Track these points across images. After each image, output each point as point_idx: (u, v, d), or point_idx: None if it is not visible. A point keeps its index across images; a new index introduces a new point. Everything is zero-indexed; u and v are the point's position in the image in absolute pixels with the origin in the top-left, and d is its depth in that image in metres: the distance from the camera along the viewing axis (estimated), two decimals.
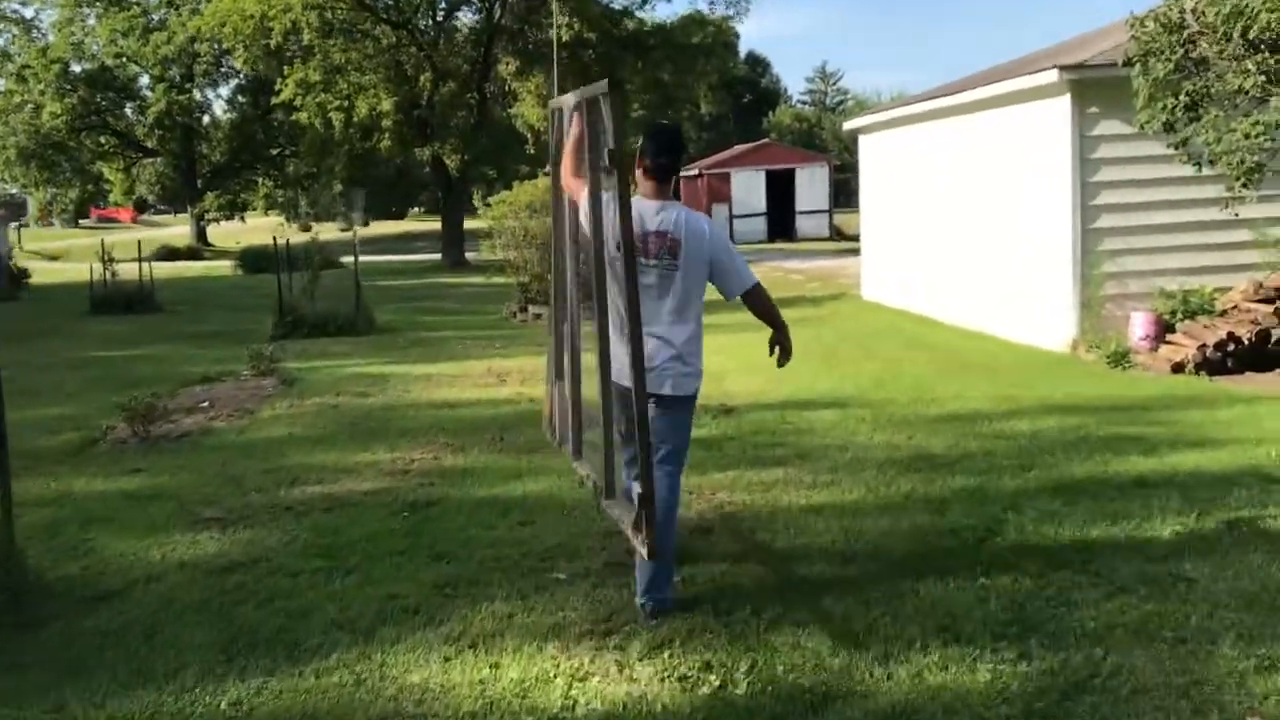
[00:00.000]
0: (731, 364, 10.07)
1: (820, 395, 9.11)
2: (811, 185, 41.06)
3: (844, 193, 57.73)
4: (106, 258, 21.43)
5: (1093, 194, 10.77)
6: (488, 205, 17.30)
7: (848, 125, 17.56)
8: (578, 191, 4.44)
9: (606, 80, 3.93)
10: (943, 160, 13.79)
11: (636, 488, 4.00)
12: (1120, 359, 10.19)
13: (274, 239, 18.26)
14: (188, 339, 15.96)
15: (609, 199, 4.07)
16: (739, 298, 4.52)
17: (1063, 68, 10.47)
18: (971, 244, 13.07)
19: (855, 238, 41.70)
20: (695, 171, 43.77)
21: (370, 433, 8.14)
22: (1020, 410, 8.18)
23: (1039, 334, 11.44)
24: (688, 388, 4.43)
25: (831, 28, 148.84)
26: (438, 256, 33.63)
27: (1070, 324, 10.91)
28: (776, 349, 4.71)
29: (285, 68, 29.93)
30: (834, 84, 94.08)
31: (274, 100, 31.61)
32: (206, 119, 53.17)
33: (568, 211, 4.81)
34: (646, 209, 4.31)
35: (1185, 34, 8.77)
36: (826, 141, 74.76)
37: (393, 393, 10.01)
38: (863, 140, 17.30)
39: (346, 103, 29.33)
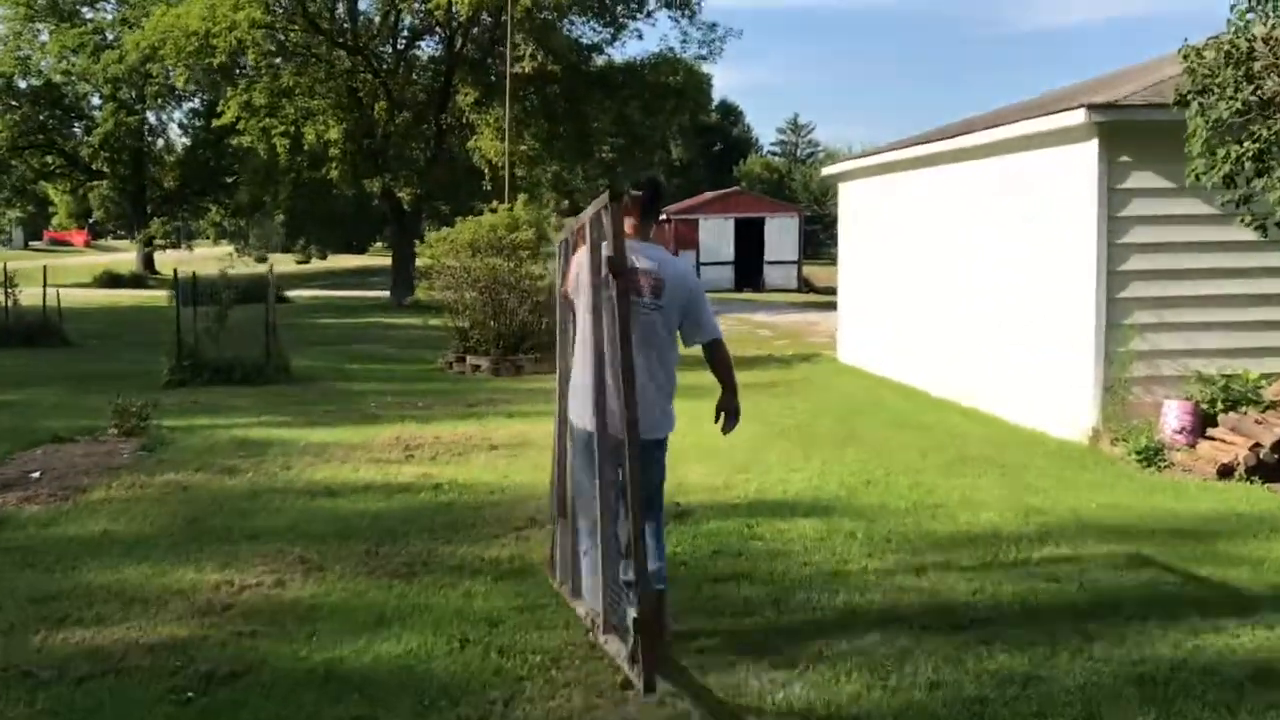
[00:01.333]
0: (687, 440, 8.24)
1: (797, 494, 7.32)
2: (781, 235, 39.81)
3: (813, 244, 56.64)
4: (6, 285, 19.41)
5: (1121, 258, 9.12)
6: (425, 244, 15.34)
7: (826, 170, 15.94)
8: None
9: (608, 191, 4.12)
10: (938, 211, 12.16)
11: (632, 613, 3.99)
12: (1153, 456, 8.47)
13: (174, 271, 16.28)
14: (74, 381, 13.93)
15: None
16: (701, 348, 4.54)
17: (1091, 107, 8.84)
18: (971, 308, 11.39)
19: (825, 290, 40.60)
20: (664, 217, 42.18)
21: (210, 534, 6.23)
22: (1051, 529, 6.41)
23: (1052, 418, 9.73)
24: (667, 428, 4.50)
25: (803, 82, 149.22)
26: (388, 294, 31.78)
27: (1090, 409, 9.21)
28: (722, 415, 4.62)
29: (229, 89, 28.07)
30: (805, 135, 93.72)
31: (214, 123, 29.65)
32: (160, 143, 51.20)
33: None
34: (631, 248, 4.26)
35: (1254, 67, 7.17)
36: (796, 192, 73.92)
37: (268, 469, 8.10)
38: (843, 189, 15.68)
39: (293, 129, 27.47)
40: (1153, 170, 9.04)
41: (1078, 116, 8.93)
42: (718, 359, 4.54)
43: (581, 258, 4.46)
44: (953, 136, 11.45)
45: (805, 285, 39.42)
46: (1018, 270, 10.31)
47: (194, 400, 11.94)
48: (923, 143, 12.31)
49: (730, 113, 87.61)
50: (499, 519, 6.65)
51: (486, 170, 27.21)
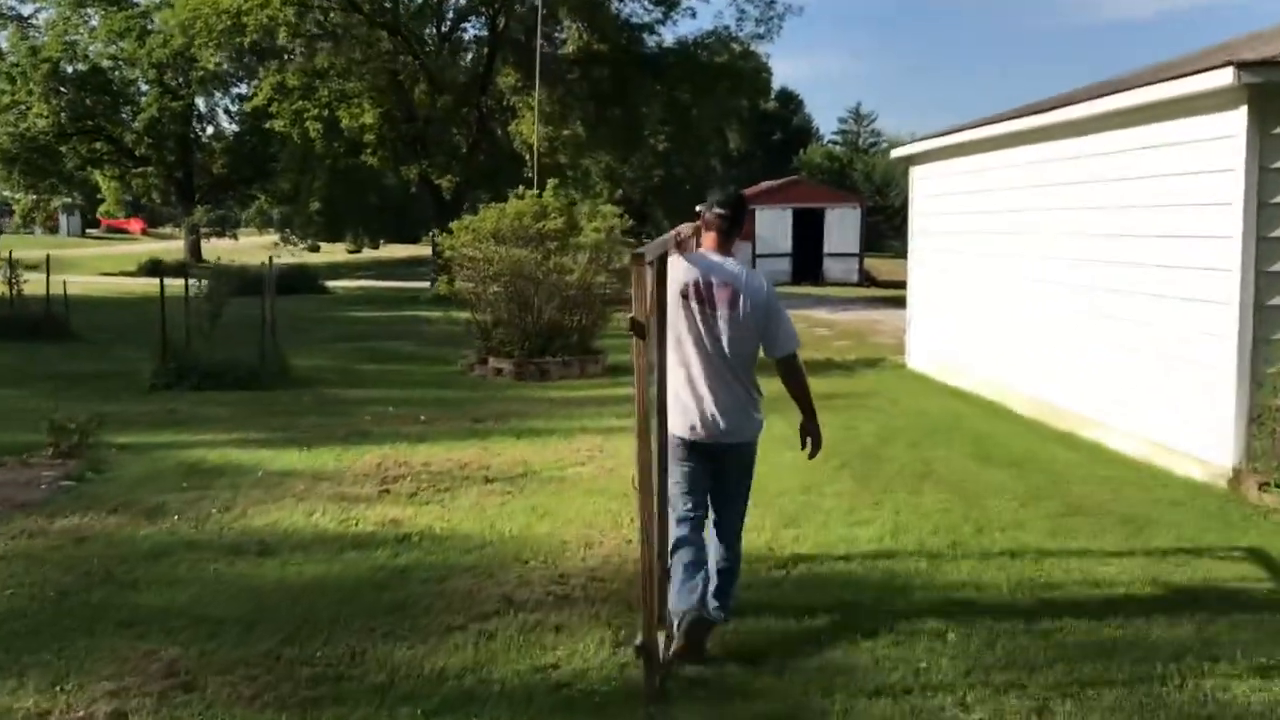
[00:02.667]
0: None
1: (862, 566, 5.60)
2: (842, 226, 37.85)
3: (875, 236, 54.45)
4: (12, 273, 18.19)
5: (1273, 255, 7.25)
6: (447, 232, 13.79)
7: (898, 151, 14.09)
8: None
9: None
10: (1035, 198, 10.29)
11: (638, 638, 3.99)
12: None
13: (156, 262, 14.81)
14: (58, 381, 12.61)
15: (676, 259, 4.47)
16: (775, 360, 4.57)
17: (1241, 65, 6.98)
18: (1074, 312, 9.55)
19: (887, 284, 38.56)
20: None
21: (73, 618, 4.69)
22: (1221, 631, 4.64)
23: (1178, 452, 7.90)
24: (755, 431, 4.59)
25: (865, 72, 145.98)
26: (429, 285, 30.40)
27: (1230, 444, 7.36)
28: (807, 441, 4.67)
29: (262, 70, 26.79)
30: (868, 125, 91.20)
31: (246, 105, 28.42)
32: (210, 130, 50.44)
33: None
34: (713, 260, 4.50)
35: None
36: (858, 183, 71.69)
37: (202, 510, 6.55)
38: (916, 173, 13.83)
39: (326, 112, 26.11)
40: None
41: (1223, 77, 7.06)
42: (789, 374, 4.59)
43: (669, 275, 4.33)
44: (1057, 108, 9.57)
45: (867, 279, 37.44)
46: (1139, 269, 8.45)
47: (170, 409, 10.50)
48: (1018, 116, 10.42)
49: (790, 100, 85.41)
50: (464, 598, 5.03)
51: (528, 156, 25.63)
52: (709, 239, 4.61)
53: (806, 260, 36.59)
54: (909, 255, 14.15)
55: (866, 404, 11.06)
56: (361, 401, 11.26)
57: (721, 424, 4.43)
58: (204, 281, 13.84)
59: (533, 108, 24.07)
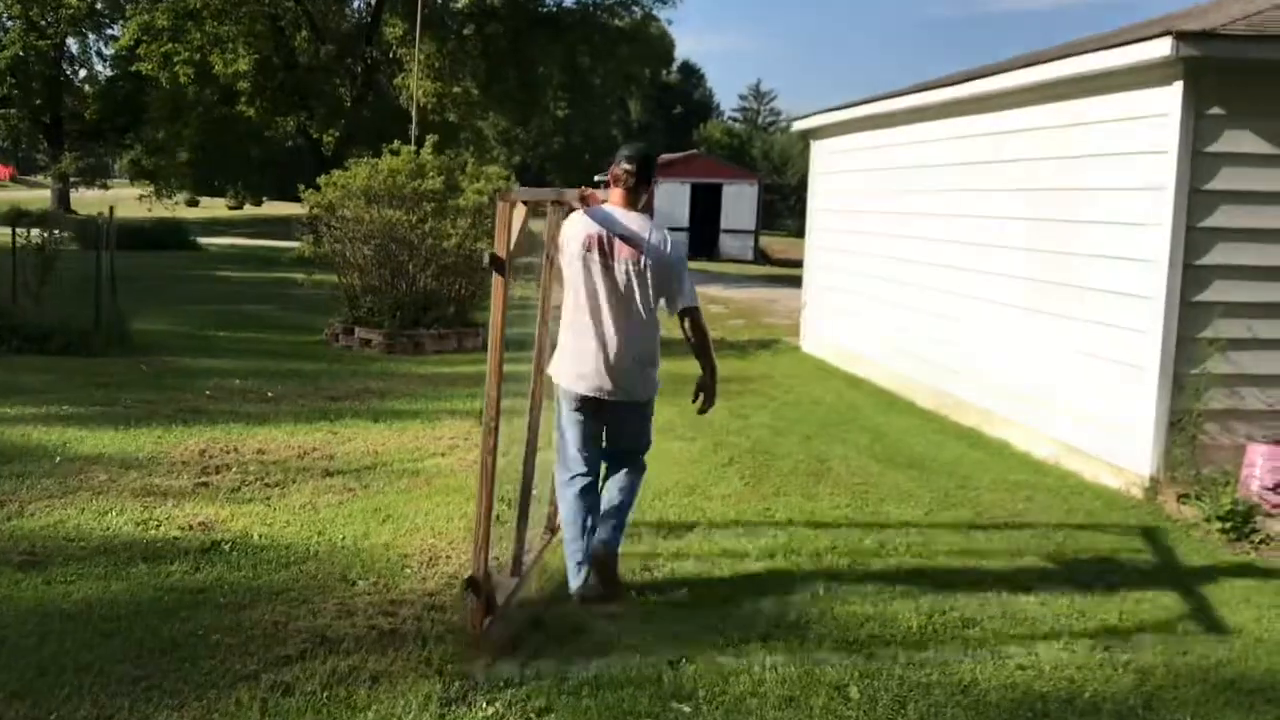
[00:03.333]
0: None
1: (753, 585, 4.82)
2: (739, 203, 37.36)
3: (770, 214, 54.23)
4: None
5: (1202, 247, 6.69)
6: (314, 188, 12.60)
7: (798, 124, 13.34)
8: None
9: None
10: (946, 177, 9.64)
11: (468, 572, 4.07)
12: (1241, 524, 6.10)
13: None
14: None
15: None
16: (678, 316, 4.53)
17: (1181, 36, 6.35)
18: (984, 300, 8.94)
19: (781, 262, 38.19)
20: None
21: None
22: (1151, 678, 3.98)
23: (1093, 456, 7.33)
24: (650, 392, 4.59)
25: (766, 51, 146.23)
26: None
27: (1149, 450, 6.80)
28: (700, 395, 4.62)
29: (129, 8, 24.87)
30: (767, 103, 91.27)
31: (112, 46, 26.42)
32: (83, 73, 47.36)
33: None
34: (615, 215, 4.48)
35: None
36: (756, 160, 71.56)
37: None
38: (817, 148, 13.13)
39: (198, 56, 24.33)
40: (1252, 130, 6.62)
41: (1160, 48, 6.43)
42: (693, 328, 4.55)
43: (571, 229, 4.49)
44: (973, 79, 8.90)
45: (762, 257, 37.05)
46: (1055, 256, 7.84)
47: None
48: (930, 89, 9.74)
49: (692, 74, 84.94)
50: (267, 633, 4.08)
51: (414, 113, 24.31)
52: (616, 194, 4.54)
53: (703, 235, 35.96)
54: (807, 234, 13.47)
55: (759, 390, 10.33)
56: (205, 373, 10.10)
57: (616, 381, 4.43)
58: (58, 233, 12.44)
59: (420, 62, 22.74)
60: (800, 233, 49.06)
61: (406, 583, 4.72)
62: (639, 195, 4.54)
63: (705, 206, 36.16)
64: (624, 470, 4.67)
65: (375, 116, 26.44)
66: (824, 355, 12.66)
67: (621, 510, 4.60)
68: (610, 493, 4.63)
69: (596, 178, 51.38)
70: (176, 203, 44.33)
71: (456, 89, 23.84)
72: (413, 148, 13.07)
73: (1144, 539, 5.98)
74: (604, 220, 4.45)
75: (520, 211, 3.98)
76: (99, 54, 45.06)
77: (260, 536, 5.26)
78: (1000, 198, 8.66)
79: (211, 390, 9.10)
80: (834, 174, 12.56)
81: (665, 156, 45.11)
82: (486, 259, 3.89)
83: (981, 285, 8.88)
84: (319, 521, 5.54)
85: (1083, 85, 7.45)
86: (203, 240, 32.31)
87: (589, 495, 4.61)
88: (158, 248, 29.08)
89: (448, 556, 5.07)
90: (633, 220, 4.48)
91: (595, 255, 4.40)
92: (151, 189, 42.51)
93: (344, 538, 5.30)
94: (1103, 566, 5.42)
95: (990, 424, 8.69)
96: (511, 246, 3.92)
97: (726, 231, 36.80)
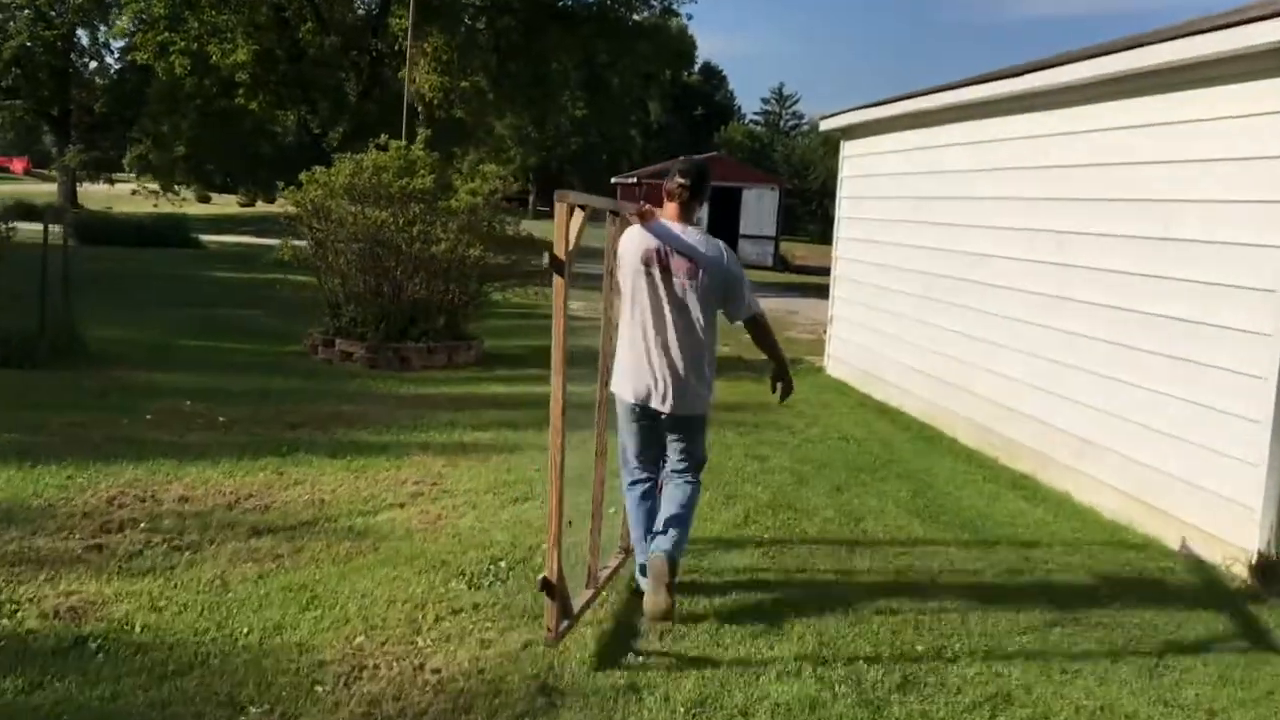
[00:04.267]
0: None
1: (775, 707, 3.65)
2: (759, 207, 36.27)
3: (791, 219, 53.01)
4: None
5: None
6: (293, 186, 11.48)
7: (828, 123, 12.11)
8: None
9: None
10: (1001, 182, 8.43)
11: (543, 573, 4.08)
12: None
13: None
14: None
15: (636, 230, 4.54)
16: (745, 324, 4.67)
17: None
18: (1043, 326, 7.71)
19: (802, 269, 36.92)
20: (634, 179, 38.75)
21: None
22: None
23: (1175, 516, 6.11)
24: (703, 407, 4.61)
25: (788, 55, 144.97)
26: None
27: (1256, 518, 5.58)
28: (778, 385, 4.79)
29: None
30: (790, 106, 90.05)
31: (106, 33, 25.45)
32: (94, 65, 46.46)
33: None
34: (673, 230, 4.51)
35: None
36: (778, 164, 70.40)
37: None
38: (849, 148, 11.92)
39: (195, 46, 23.28)
40: None
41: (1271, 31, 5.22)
42: (759, 334, 4.70)
43: (628, 244, 4.53)
44: (1043, 68, 7.66)
45: (782, 263, 35.86)
46: (1146, 280, 6.61)
47: None
48: (986, 81, 8.50)
49: (713, 75, 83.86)
50: None
51: (421, 108, 23.21)
52: (670, 209, 4.59)
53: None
54: (835, 243, 12.26)
55: (779, 421, 9.13)
56: (156, 391, 8.97)
57: (672, 393, 4.49)
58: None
59: (427, 54, 21.66)
60: (823, 238, 47.63)
61: (313, 711, 3.55)
62: (693, 210, 4.62)
63: (724, 211, 35.00)
64: (680, 483, 4.67)
65: (381, 111, 25.31)
66: (850, 379, 11.46)
67: (679, 522, 4.56)
68: (667, 507, 4.61)
69: (614, 180, 50.43)
70: (184, 199, 43.50)
71: (465, 83, 22.69)
72: (402, 142, 11.92)
73: (1255, 639, 4.76)
74: (661, 235, 4.48)
75: (579, 215, 3.98)
76: (106, 46, 44.25)
77: (143, 629, 4.10)
78: (1071, 209, 7.43)
79: (155, 413, 7.97)
80: (867, 178, 11.35)
81: (681, 158, 43.94)
82: (546, 259, 3.93)
83: (1045, 311, 7.66)
84: (225, 605, 4.38)
85: (1196, 74, 6.21)
86: (207, 238, 31.28)
87: (650, 499, 4.74)
88: (158, 245, 28.09)
89: (375, 666, 3.90)
90: (689, 235, 4.52)
91: (654, 269, 4.46)
92: (156, 184, 41.66)
93: (249, 632, 4.14)
94: (1220, 683, 4.21)
95: (1046, 470, 7.48)
96: (571, 248, 3.92)
97: (745, 237, 35.66)
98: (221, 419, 7.96)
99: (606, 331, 4.63)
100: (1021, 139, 8.02)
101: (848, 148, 11.82)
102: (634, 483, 4.78)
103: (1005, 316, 8.20)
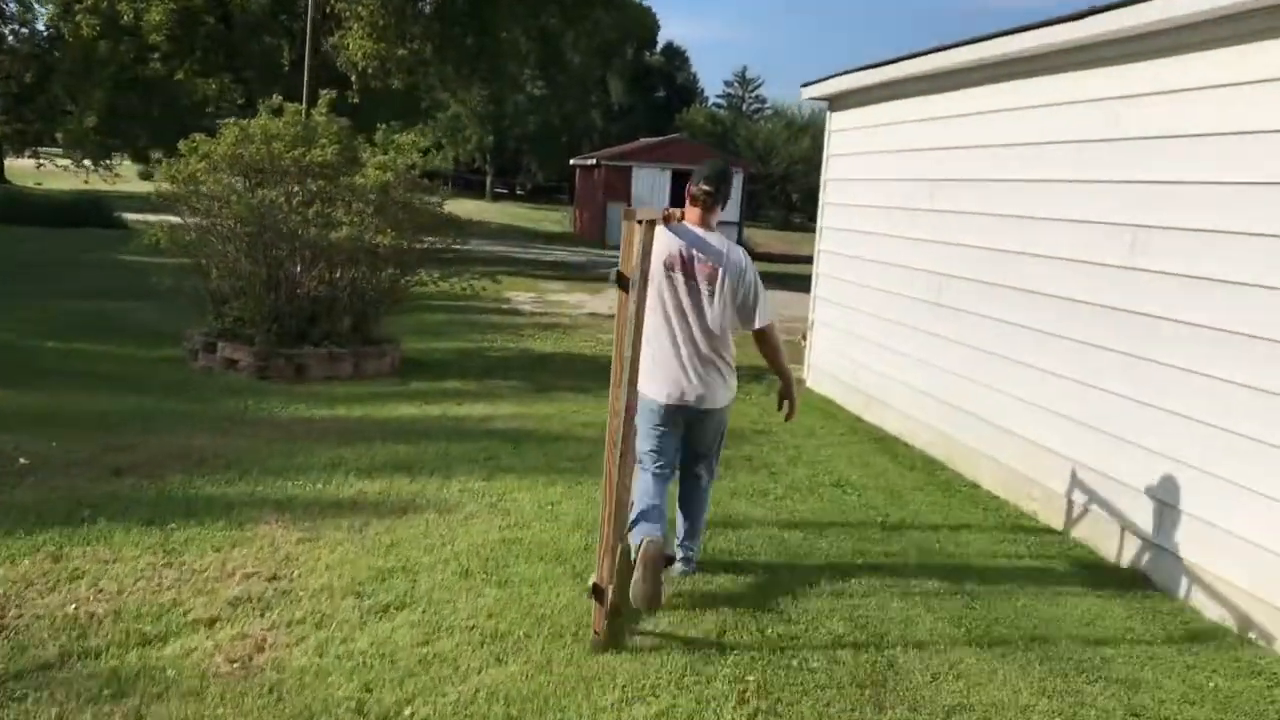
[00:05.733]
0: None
1: None
2: None
3: (753, 205, 51.20)
4: None
5: None
6: (165, 160, 9.46)
7: (811, 90, 10.15)
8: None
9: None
10: (1025, 159, 6.58)
11: (592, 578, 4.12)
12: None
13: None
14: None
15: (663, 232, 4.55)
16: (753, 334, 4.75)
17: None
18: (1102, 344, 5.90)
19: (767, 257, 35.08)
20: (593, 161, 36.82)
21: None
22: None
23: (1250, 573, 4.32)
24: (728, 399, 4.77)
25: (752, 39, 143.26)
26: None
27: None
28: (785, 404, 4.94)
29: None
30: (753, 90, 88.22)
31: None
32: (25, 31, 43.57)
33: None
34: (696, 233, 4.62)
35: None
36: (741, 149, 68.63)
37: None
38: (839, 120, 10.01)
39: (104, 4, 20.99)
40: None
41: None
42: (767, 348, 4.80)
43: (659, 245, 4.44)
44: (1093, 13, 5.80)
45: (744, 249, 33.98)
46: (1265, 296, 4.77)
47: None
48: (1024, 31, 6.59)
49: (676, 56, 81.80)
50: None
51: (353, 77, 21.10)
52: (692, 213, 4.68)
53: None
54: (819, 232, 10.40)
55: (755, 458, 7.29)
56: None
57: (696, 391, 4.62)
58: None
59: (361, 17, 19.54)
60: (784, 225, 45.99)
61: None
62: (714, 213, 4.70)
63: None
64: (694, 485, 4.88)
65: (316, 82, 23.16)
66: (837, 395, 9.63)
67: (694, 519, 4.85)
68: (684, 509, 4.89)
69: (573, 161, 48.28)
70: (118, 175, 40.90)
71: (402, 50, 20.58)
72: (298, 106, 9.93)
73: None
74: (685, 237, 4.58)
75: (646, 230, 4.00)
76: (30, 10, 41.29)
77: None
78: (1153, 197, 5.60)
79: None
80: (862, 156, 9.47)
81: (643, 140, 42.09)
82: (612, 276, 4.04)
83: (1109, 332, 5.83)
84: None
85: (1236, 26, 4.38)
86: (137, 216, 28.83)
87: (663, 482, 4.72)
88: (77, 225, 25.72)
89: None
90: (712, 239, 4.64)
91: (677, 272, 4.55)
92: (82, 160, 38.94)
93: None
94: None
95: (1106, 541, 5.67)
96: (637, 263, 3.99)
97: None
98: (23, 460, 5.99)
99: (637, 334, 4.23)
100: (1084, 103, 6.16)
101: (837, 119, 9.93)
102: (647, 468, 4.73)
103: (1044, 333, 6.38)
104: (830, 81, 9.59)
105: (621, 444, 4.13)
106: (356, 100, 20.10)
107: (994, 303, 6.97)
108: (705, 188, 4.62)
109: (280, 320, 9.36)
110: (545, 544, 5.15)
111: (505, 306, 16.27)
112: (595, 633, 4.04)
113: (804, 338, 10.96)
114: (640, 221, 3.97)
